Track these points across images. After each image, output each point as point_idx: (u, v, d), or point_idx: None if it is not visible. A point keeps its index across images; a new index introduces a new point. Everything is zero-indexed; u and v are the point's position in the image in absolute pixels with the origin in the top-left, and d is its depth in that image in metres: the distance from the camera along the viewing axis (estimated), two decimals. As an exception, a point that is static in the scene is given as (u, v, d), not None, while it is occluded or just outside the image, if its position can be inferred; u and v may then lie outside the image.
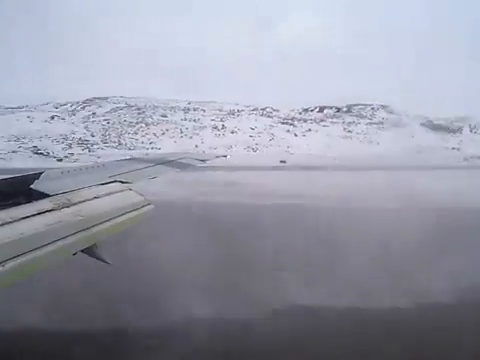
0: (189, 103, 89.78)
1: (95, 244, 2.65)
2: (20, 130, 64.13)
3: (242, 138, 74.92)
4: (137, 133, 69.72)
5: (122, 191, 3.22)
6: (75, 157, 50.51)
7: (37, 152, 51.61)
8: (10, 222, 2.16)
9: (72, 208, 2.61)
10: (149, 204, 3.20)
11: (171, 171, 4.52)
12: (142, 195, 3.27)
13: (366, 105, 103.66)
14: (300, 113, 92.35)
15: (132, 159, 4.92)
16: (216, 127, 75.89)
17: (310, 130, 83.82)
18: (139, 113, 78.09)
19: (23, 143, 59.53)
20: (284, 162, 71.15)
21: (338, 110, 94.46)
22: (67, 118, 73.33)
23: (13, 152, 52.31)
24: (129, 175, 3.68)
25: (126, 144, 64.64)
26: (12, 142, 59.50)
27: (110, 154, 56.05)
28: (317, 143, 76.97)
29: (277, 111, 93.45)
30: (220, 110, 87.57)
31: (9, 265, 1.92)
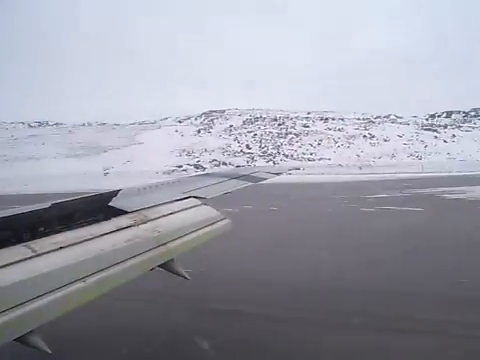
0: (309, 113, 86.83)
1: (173, 259, 2.63)
2: (180, 144, 61.67)
3: (397, 146, 71.24)
4: (292, 144, 66.47)
5: (197, 206, 3.22)
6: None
7: (236, 166, 48.95)
8: (90, 239, 2.23)
9: (149, 224, 2.67)
10: (225, 219, 3.20)
11: (245, 185, 4.39)
12: (217, 210, 3.24)
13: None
14: (427, 119, 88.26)
15: (206, 174, 4.98)
16: (365, 136, 72.34)
17: (454, 135, 79.61)
18: (278, 124, 74.97)
19: (198, 157, 56.78)
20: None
21: (466, 114, 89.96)
22: (212, 131, 70.70)
23: (216, 166, 49.53)
24: (204, 190, 3.65)
25: (292, 155, 61.35)
26: (185, 156, 56.88)
27: (293, 165, 53.05)
28: (471, 149, 72.62)
29: (401, 118, 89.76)
30: (343, 119, 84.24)
31: (90, 280, 1.99)
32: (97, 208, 2.67)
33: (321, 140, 67.69)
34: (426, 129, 78.02)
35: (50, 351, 1.78)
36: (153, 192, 3.42)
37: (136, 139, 63.52)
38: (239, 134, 69.34)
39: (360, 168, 45.39)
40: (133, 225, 2.57)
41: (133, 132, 67.80)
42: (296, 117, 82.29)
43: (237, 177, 4.59)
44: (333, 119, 77.76)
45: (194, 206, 3.19)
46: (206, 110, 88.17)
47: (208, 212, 3.21)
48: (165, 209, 2.95)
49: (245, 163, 53.79)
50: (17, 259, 1.85)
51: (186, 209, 3.09)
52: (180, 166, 47.45)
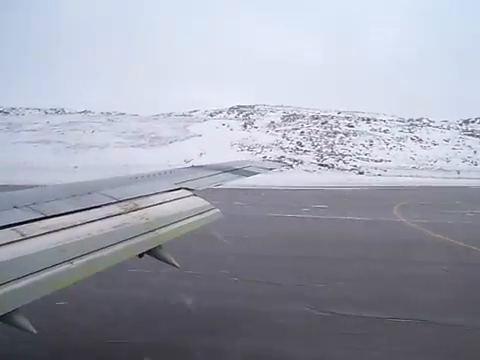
0: (339, 113, 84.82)
1: (160, 246, 2.63)
2: (233, 138, 58.32)
3: (447, 150, 69.48)
4: (344, 143, 63.88)
5: (187, 197, 3.24)
6: (359, 169, 44.74)
7: (321, 164, 46.19)
8: (79, 224, 2.27)
9: (138, 212, 2.69)
10: (214, 209, 3.23)
11: (237, 179, 4.43)
12: (207, 201, 3.25)
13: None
14: (461, 124, 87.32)
15: (198, 167, 4.80)
16: (413, 139, 70.50)
17: (499, 142, 78.92)
18: (322, 123, 72.22)
19: (260, 153, 53.60)
20: None
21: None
22: (257, 127, 67.70)
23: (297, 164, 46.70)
24: (195, 182, 3.68)
25: (349, 154, 58.80)
26: (246, 151, 53.70)
27: (366, 166, 51.23)
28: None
29: (433, 122, 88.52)
30: (385, 121, 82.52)
31: (77, 262, 2.01)
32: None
33: (372, 141, 65.27)
34: (469, 134, 76.76)
35: (35, 331, 1.74)
36: (145, 182, 3.43)
37: (190, 131, 59.78)
38: (285, 131, 66.25)
39: (458, 172, 43.24)
40: (123, 213, 2.57)
41: (181, 124, 63.99)
42: (331, 116, 79.97)
43: (229, 170, 4.60)
44: (375, 120, 75.59)
45: (184, 197, 3.21)
46: (234, 105, 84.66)
47: (198, 202, 3.21)
48: (155, 199, 2.96)
49: (315, 161, 50.84)
50: (4, 242, 1.83)
51: (176, 199, 3.09)
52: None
